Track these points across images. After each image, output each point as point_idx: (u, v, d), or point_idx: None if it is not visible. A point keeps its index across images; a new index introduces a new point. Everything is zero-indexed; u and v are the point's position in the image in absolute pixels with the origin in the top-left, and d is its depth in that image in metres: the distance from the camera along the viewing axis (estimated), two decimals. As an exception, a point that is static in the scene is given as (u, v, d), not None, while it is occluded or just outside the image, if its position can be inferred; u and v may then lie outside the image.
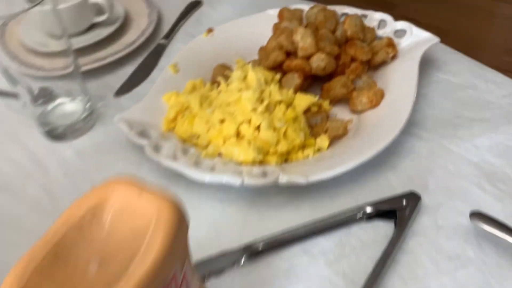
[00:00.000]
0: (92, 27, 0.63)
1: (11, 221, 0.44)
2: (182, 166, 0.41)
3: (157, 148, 0.44)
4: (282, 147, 0.42)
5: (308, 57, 0.49)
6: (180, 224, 0.21)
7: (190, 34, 0.64)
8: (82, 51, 0.59)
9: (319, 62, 0.48)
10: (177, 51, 0.59)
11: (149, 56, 0.61)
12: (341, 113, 0.49)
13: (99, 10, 0.62)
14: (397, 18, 0.56)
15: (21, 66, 0.56)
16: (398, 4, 1.69)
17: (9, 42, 0.63)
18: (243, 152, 0.41)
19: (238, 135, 0.43)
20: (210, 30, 0.58)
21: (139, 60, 0.61)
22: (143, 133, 0.46)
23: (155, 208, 0.21)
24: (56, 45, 0.53)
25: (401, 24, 0.54)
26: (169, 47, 0.63)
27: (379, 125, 0.45)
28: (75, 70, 0.50)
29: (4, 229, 0.43)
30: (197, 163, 0.42)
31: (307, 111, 0.46)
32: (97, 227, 0.21)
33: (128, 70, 0.59)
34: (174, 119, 0.47)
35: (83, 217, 0.21)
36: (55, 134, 0.52)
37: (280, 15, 0.56)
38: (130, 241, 0.20)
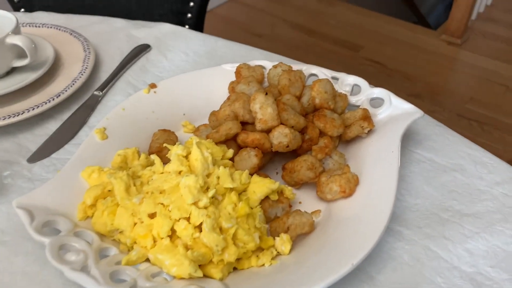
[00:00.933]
0: (11, 72, 0.52)
1: None
2: (90, 283, 0.30)
3: (63, 249, 0.33)
4: (230, 255, 0.32)
5: (268, 131, 0.40)
6: None
7: (132, 85, 0.54)
8: (-6, 102, 0.48)
9: (281, 138, 0.39)
10: (113, 107, 0.49)
11: (78, 111, 0.50)
12: (307, 199, 0.40)
13: (21, 53, 0.51)
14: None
15: None
16: (365, 45, 1.65)
17: None
18: (177, 265, 0.31)
19: (171, 236, 0.33)
20: (153, 86, 0.48)
21: (65, 116, 0.50)
22: (48, 224, 0.35)
23: None
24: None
25: (378, 92, 0.46)
26: (104, 101, 0.52)
27: (353, 221, 0.36)
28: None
29: None
30: (113, 277, 0.31)
31: (264, 200, 0.37)
32: None
33: (50, 127, 0.48)
34: (93, 205, 0.37)
35: None
36: None
37: (238, 72, 0.47)
38: None
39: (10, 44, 0.50)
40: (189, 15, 0.82)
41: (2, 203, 0.40)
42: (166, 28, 0.64)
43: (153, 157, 0.38)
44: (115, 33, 0.63)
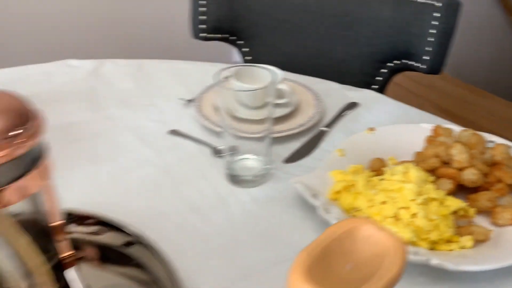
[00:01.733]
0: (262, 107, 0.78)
1: (199, 236, 0.56)
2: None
3: (326, 210, 0.54)
4: (434, 236, 0.51)
5: (460, 169, 0.58)
6: (404, 263, 0.30)
7: (348, 128, 0.77)
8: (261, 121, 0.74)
9: (470, 175, 0.57)
10: (336, 139, 0.72)
11: (313, 138, 0.74)
12: (482, 222, 0.56)
13: (280, 94, 0.77)
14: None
15: (212, 125, 0.72)
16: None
17: (204, 105, 0.80)
18: (400, 232, 0.50)
19: (396, 217, 0.53)
20: (371, 129, 0.69)
21: (303, 139, 0.74)
22: (314, 196, 0.57)
23: (391, 243, 0.30)
24: (246, 114, 0.67)
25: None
26: (329, 134, 0.75)
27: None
28: (267, 136, 0.63)
29: (192, 242, 0.55)
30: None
31: (454, 213, 0.55)
32: (351, 243, 0.31)
33: (294, 145, 0.72)
34: (339, 192, 0.58)
35: (342, 234, 0.31)
36: (236, 180, 0.64)
37: (436, 131, 0.67)
38: (372, 259, 0.30)
39: (278, 88, 0.76)
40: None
41: (272, 182, 0.64)
42: (370, 93, 0.87)
43: (385, 169, 0.58)
44: (332, 91, 0.87)
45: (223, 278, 0.50)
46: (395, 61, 1.04)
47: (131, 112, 0.81)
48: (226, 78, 0.67)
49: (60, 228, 0.44)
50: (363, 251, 0.31)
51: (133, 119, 0.79)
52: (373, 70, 1.07)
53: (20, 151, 0.36)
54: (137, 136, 0.74)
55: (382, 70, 1.06)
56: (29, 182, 0.38)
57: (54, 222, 0.44)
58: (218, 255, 0.53)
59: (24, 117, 0.38)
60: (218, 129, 0.73)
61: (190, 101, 0.83)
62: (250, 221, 0.58)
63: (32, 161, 0.38)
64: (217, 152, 0.71)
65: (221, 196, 0.62)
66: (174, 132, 0.76)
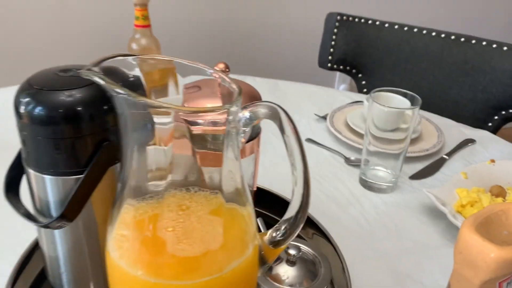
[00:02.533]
0: (396, 130, 0.89)
1: (339, 222, 0.67)
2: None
3: (454, 217, 0.63)
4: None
5: None
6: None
7: (465, 159, 0.85)
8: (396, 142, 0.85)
9: None
10: (455, 167, 0.81)
11: (435, 162, 0.83)
12: None
13: (405, 120, 0.88)
14: None
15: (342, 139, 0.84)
16: None
17: (336, 122, 0.93)
18: None
19: None
20: (492, 161, 0.78)
21: (426, 162, 0.83)
22: (443, 205, 0.66)
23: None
24: (384, 133, 0.78)
25: None
26: (449, 162, 0.84)
27: None
28: (401, 154, 0.74)
29: (334, 226, 0.66)
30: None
31: None
32: (506, 218, 0.41)
33: (417, 166, 0.82)
34: (464, 206, 0.67)
35: (499, 211, 0.41)
36: (369, 185, 0.76)
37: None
38: None
39: (405, 113, 0.87)
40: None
41: (398, 192, 0.75)
42: (485, 133, 0.95)
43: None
44: (450, 127, 0.96)
45: (360, 255, 0.61)
46: (510, 110, 1.11)
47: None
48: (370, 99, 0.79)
49: (253, 194, 0.58)
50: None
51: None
52: (486, 115, 1.14)
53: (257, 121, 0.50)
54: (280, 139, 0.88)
55: (495, 117, 1.14)
56: (254, 145, 0.53)
57: (253, 187, 0.58)
58: (356, 238, 0.64)
59: (254, 99, 0.53)
60: (349, 142, 0.86)
61: (322, 117, 0.97)
62: (381, 218, 0.69)
63: (257, 131, 0.53)
64: (349, 161, 0.83)
65: (355, 196, 0.74)
66: (310, 140, 0.89)
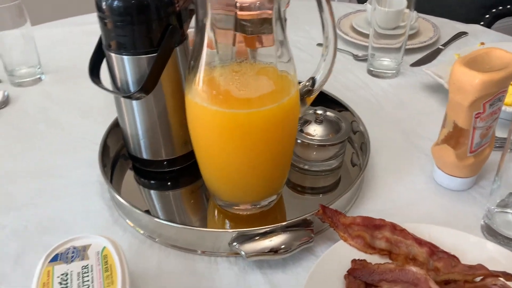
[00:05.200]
0: (396, 28, 0.99)
1: (352, 103, 0.79)
2: None
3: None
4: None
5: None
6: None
7: (459, 48, 0.96)
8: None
9: None
10: (449, 54, 0.92)
11: (432, 52, 0.94)
12: None
13: (403, 18, 0.98)
14: None
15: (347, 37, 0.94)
16: None
17: (343, 27, 1.03)
18: None
19: None
20: (482, 43, 0.89)
21: (421, 54, 0.94)
22: (439, 78, 0.78)
23: (514, 58, 0.52)
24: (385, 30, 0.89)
25: None
26: (444, 52, 0.95)
27: None
28: (401, 46, 0.85)
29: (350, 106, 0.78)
30: None
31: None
32: (489, 58, 0.52)
33: (417, 56, 0.93)
34: (458, 79, 0.79)
35: (482, 53, 0.53)
36: (374, 74, 0.87)
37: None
38: (502, 65, 0.51)
39: (403, 11, 0.97)
40: None
41: (401, 76, 0.86)
42: (477, 27, 1.05)
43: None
44: (444, 23, 1.06)
45: (372, 120, 0.73)
46: (499, 7, 1.20)
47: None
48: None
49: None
50: (496, 62, 0.52)
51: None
52: (478, 15, 1.24)
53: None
54: (293, 45, 0.99)
55: (486, 16, 1.23)
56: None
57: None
58: (368, 110, 0.76)
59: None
60: (356, 41, 0.96)
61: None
62: (388, 96, 0.81)
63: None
64: (357, 57, 0.94)
65: (364, 82, 0.86)
66: (321, 45, 0.99)
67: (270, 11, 0.46)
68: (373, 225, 0.49)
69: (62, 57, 0.96)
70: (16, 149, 0.70)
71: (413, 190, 0.60)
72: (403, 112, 0.77)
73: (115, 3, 0.50)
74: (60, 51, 0.99)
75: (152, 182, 0.64)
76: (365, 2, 1.36)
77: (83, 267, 0.42)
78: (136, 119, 0.58)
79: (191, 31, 0.55)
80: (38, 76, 0.88)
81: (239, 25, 0.47)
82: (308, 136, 0.62)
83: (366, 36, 0.97)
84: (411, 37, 0.97)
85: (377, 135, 0.68)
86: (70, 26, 1.11)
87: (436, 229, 0.49)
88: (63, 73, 0.90)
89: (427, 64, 0.91)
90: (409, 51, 0.94)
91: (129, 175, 0.64)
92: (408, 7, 0.82)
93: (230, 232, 0.50)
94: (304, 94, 0.53)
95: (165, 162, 0.62)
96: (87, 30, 1.05)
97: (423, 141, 0.68)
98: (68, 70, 0.91)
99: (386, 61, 0.87)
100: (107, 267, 0.42)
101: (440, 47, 0.96)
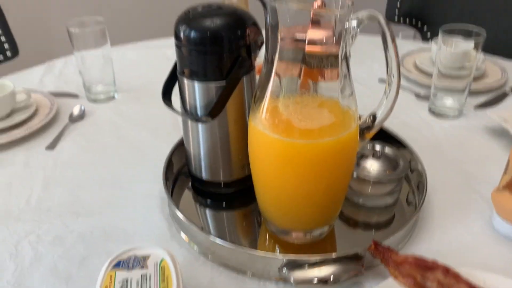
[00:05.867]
0: (461, 69, 0.98)
1: (410, 140, 0.79)
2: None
3: (516, 132, 0.73)
4: None
5: None
6: None
7: (528, 93, 0.93)
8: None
9: None
10: (518, 99, 0.89)
11: (497, 96, 0.92)
12: None
13: (469, 59, 0.97)
14: None
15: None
16: None
17: (406, 65, 1.02)
18: None
19: None
20: (553, 90, 0.86)
21: (486, 96, 0.92)
22: (505, 122, 0.76)
23: None
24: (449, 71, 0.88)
25: None
26: (510, 96, 0.93)
27: None
28: (466, 87, 0.84)
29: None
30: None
31: None
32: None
33: (482, 98, 0.92)
34: (525, 124, 0.76)
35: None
36: (436, 113, 0.86)
37: None
38: None
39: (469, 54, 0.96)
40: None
41: (467, 120, 0.85)
42: (550, 72, 1.02)
43: None
44: (511, 67, 1.03)
45: (432, 159, 0.72)
46: None
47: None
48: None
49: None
50: None
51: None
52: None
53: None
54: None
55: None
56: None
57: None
58: (427, 149, 0.75)
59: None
60: (418, 80, 0.96)
61: (392, 62, 1.07)
62: (449, 136, 0.80)
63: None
64: (419, 96, 0.93)
65: (425, 121, 0.85)
66: (382, 81, 1.00)
67: (336, 47, 0.48)
68: (425, 265, 0.49)
69: (135, 77, 1.03)
70: (88, 159, 0.76)
71: (470, 234, 0.59)
72: (463, 154, 0.75)
73: (192, 33, 0.55)
74: (134, 71, 1.07)
75: (208, 201, 0.66)
76: (430, 40, 1.36)
77: (142, 276, 0.44)
78: (200, 141, 0.62)
79: (259, 61, 0.58)
80: (112, 94, 0.95)
81: (306, 59, 0.49)
82: (365, 171, 0.62)
83: (429, 74, 0.97)
84: (476, 78, 0.95)
85: (435, 175, 0.67)
86: (145, 48, 1.19)
87: (492, 277, 0.48)
88: (135, 92, 0.97)
89: (492, 107, 0.89)
90: (474, 93, 0.92)
91: (188, 192, 0.68)
92: (475, 48, 0.81)
93: (281, 257, 0.52)
94: (363, 130, 0.54)
95: (222, 184, 0.64)
96: (160, 53, 1.13)
97: (483, 185, 0.67)
98: (140, 90, 0.98)
99: (449, 101, 0.87)
100: (164, 277, 0.44)
101: (507, 90, 0.94)
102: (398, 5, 1.34)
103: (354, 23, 0.48)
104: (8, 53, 1.14)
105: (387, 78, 0.52)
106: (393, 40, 0.49)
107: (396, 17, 1.34)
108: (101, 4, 1.96)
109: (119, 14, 1.97)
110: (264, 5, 0.47)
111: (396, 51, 0.50)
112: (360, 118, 0.53)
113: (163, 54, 1.13)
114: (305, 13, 0.47)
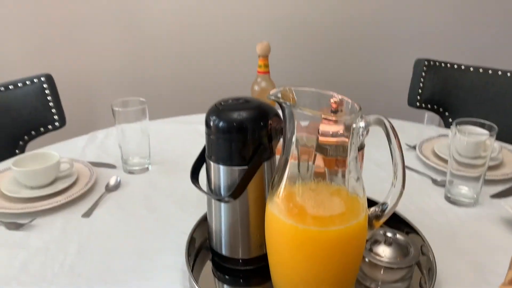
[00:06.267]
0: (477, 157, 1.01)
1: (424, 228, 0.81)
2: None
3: (528, 225, 0.75)
4: None
5: None
6: None
7: (546, 184, 0.95)
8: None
9: None
10: (535, 190, 0.91)
11: (515, 185, 0.94)
12: None
13: (484, 148, 1.00)
14: None
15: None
16: None
17: (424, 151, 1.07)
18: None
19: None
20: None
21: (503, 186, 0.95)
22: (518, 216, 0.78)
23: None
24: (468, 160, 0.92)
25: None
26: (529, 186, 0.95)
27: None
28: (482, 176, 0.87)
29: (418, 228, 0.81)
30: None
31: None
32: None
33: (498, 188, 0.94)
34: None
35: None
36: (452, 200, 0.89)
37: None
38: None
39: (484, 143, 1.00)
40: None
41: (483, 209, 0.87)
42: None
43: None
44: (533, 157, 1.06)
45: (444, 248, 0.74)
46: None
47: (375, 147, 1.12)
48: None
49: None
50: None
51: (374, 152, 1.10)
52: None
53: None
54: (375, 163, 1.05)
55: None
56: (360, 155, 0.70)
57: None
58: (441, 237, 0.78)
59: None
60: (436, 166, 1.00)
61: (412, 147, 1.12)
62: (464, 225, 0.82)
63: (362, 146, 0.71)
64: (435, 182, 0.97)
65: (440, 208, 0.88)
66: (401, 165, 1.04)
67: (347, 139, 0.54)
68: None
69: (168, 150, 1.12)
70: (120, 228, 0.82)
71: (479, 327, 0.60)
72: (476, 243, 0.77)
73: (220, 123, 0.62)
74: (168, 145, 1.15)
75: (227, 277, 0.70)
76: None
77: None
78: (222, 218, 0.67)
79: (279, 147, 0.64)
80: (147, 166, 1.03)
81: (319, 148, 0.55)
82: (377, 257, 0.65)
83: (446, 161, 1.00)
84: (493, 168, 0.98)
85: (447, 263, 0.69)
86: (180, 123, 1.28)
87: None
88: (167, 165, 1.05)
89: (508, 197, 0.91)
90: (491, 182, 0.95)
91: (208, 266, 0.72)
92: (490, 138, 0.85)
93: (290, 337, 0.54)
94: (373, 218, 0.58)
95: (240, 261, 0.68)
96: (193, 129, 1.22)
97: (495, 277, 0.68)
98: (172, 163, 1.05)
99: (464, 189, 0.89)
100: None
101: (525, 181, 0.96)
102: (420, 91, 1.40)
103: (362, 124, 0.54)
104: (57, 124, 1.25)
105: (393, 170, 0.56)
106: (396, 136, 0.54)
107: (417, 103, 1.41)
108: (143, 82, 2.13)
109: (158, 91, 2.12)
110: (282, 108, 0.54)
111: (399, 146, 0.55)
112: (373, 205, 0.58)
113: (194, 129, 1.22)
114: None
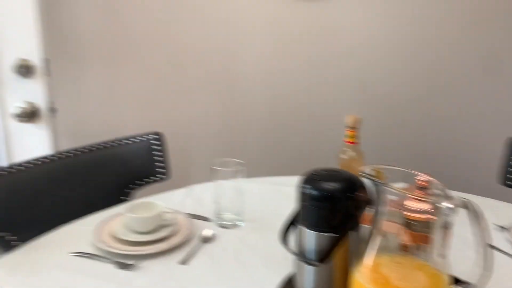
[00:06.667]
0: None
1: None
2: None
3: None
4: None
5: None
6: None
7: None
8: None
9: None
10: None
11: None
12: None
13: None
14: None
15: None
16: None
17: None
18: None
19: None
20: None
21: None
22: None
23: None
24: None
25: None
26: None
27: None
28: None
29: None
30: None
31: None
32: None
33: None
34: None
35: None
36: None
37: None
38: None
39: None
40: None
41: None
42: None
43: None
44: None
45: None
46: None
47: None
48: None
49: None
50: None
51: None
52: None
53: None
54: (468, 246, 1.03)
55: None
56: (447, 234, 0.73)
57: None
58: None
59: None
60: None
61: (502, 227, 1.09)
62: None
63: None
64: (527, 267, 0.94)
65: None
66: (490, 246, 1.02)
67: (433, 217, 0.58)
68: None
69: (259, 209, 1.19)
70: (210, 279, 0.90)
71: None
72: None
73: (314, 193, 0.69)
74: (259, 203, 1.23)
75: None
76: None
77: None
78: (308, 280, 0.72)
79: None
80: (238, 222, 1.11)
81: (406, 223, 0.59)
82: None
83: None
84: None
85: None
86: (272, 184, 1.36)
87: None
88: (257, 223, 1.12)
89: None
90: None
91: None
92: None
93: None
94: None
95: (323, 322, 0.72)
96: (283, 190, 1.29)
97: None
98: (262, 221, 1.13)
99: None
100: None
101: None
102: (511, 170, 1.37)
103: (447, 205, 0.58)
104: (162, 176, 1.40)
105: (477, 252, 0.59)
106: (483, 228, 0.57)
107: (508, 181, 1.37)
108: (240, 146, 2.25)
109: (248, 151, 2.23)
110: (375, 184, 0.60)
111: (484, 231, 0.57)
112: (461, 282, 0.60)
113: (278, 190, 1.30)
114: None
